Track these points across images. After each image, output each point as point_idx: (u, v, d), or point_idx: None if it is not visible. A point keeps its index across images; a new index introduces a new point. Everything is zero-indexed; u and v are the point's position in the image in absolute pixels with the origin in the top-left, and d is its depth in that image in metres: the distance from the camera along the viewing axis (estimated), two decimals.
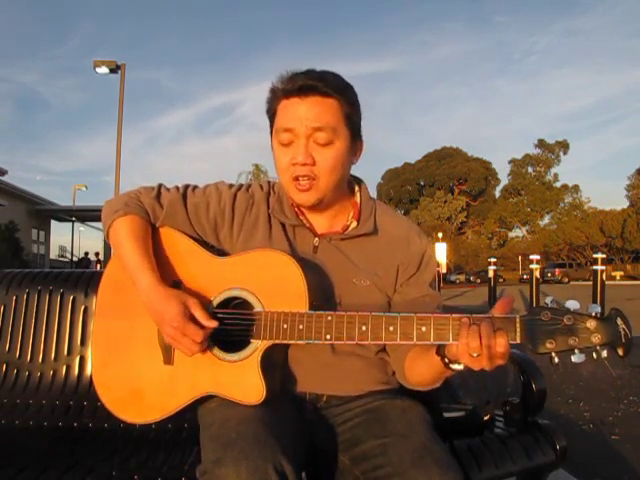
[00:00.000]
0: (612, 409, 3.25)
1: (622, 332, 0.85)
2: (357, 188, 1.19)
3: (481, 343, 0.86)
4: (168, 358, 1.09)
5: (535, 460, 1.23)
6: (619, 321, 0.85)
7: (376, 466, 0.96)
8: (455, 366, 0.94)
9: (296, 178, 1.06)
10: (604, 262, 7.32)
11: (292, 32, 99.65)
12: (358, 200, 1.17)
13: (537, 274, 9.41)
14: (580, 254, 36.85)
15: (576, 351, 0.86)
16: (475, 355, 0.87)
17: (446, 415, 1.35)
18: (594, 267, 7.36)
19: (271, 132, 1.12)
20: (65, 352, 1.57)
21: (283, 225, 1.15)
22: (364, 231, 1.13)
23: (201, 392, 1.05)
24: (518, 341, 0.88)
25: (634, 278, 30.35)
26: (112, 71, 12.07)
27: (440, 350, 0.95)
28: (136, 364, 1.12)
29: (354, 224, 1.14)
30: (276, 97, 1.08)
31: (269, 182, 1.24)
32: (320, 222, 1.15)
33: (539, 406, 1.34)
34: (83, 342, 1.57)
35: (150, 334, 1.10)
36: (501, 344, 0.86)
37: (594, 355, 0.86)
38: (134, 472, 1.15)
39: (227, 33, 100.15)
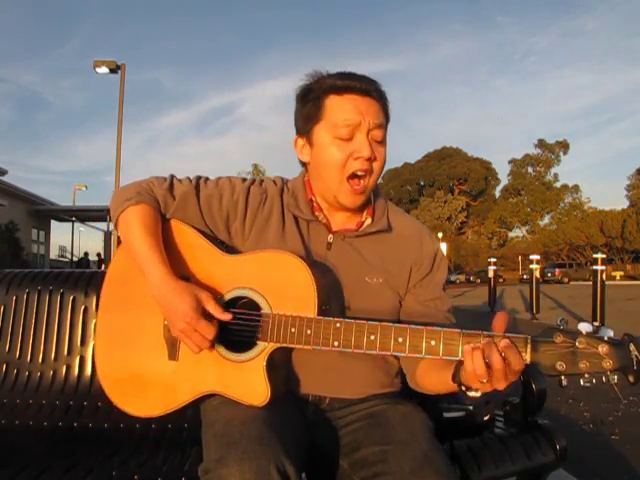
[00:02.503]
0: (612, 409, 3.25)
1: (634, 359, 0.83)
2: None
3: (488, 370, 0.85)
4: (173, 354, 1.08)
5: (535, 460, 1.23)
6: (632, 347, 0.84)
7: (375, 473, 0.95)
8: (472, 393, 0.92)
9: (353, 176, 1.06)
10: (604, 262, 7.31)
11: (292, 32, 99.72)
12: (372, 199, 1.17)
13: (537, 274, 9.39)
14: (580, 254, 36.82)
15: (586, 375, 0.85)
16: (484, 381, 0.86)
17: (446, 415, 1.35)
18: (594, 267, 7.34)
19: (309, 129, 1.10)
20: (65, 352, 1.57)
21: (297, 221, 1.14)
22: (378, 228, 1.13)
23: (204, 390, 1.05)
24: (528, 361, 0.87)
25: (634, 278, 30.33)
26: (112, 71, 12.08)
27: (456, 378, 0.93)
28: (141, 358, 1.11)
29: (369, 221, 1.14)
30: (323, 92, 1.07)
31: (282, 178, 1.22)
32: (336, 219, 1.15)
33: (539, 406, 1.34)
34: (83, 342, 1.57)
35: (156, 328, 1.10)
36: (516, 363, 0.85)
37: (604, 379, 0.85)
38: (134, 472, 1.15)
39: (227, 33, 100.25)
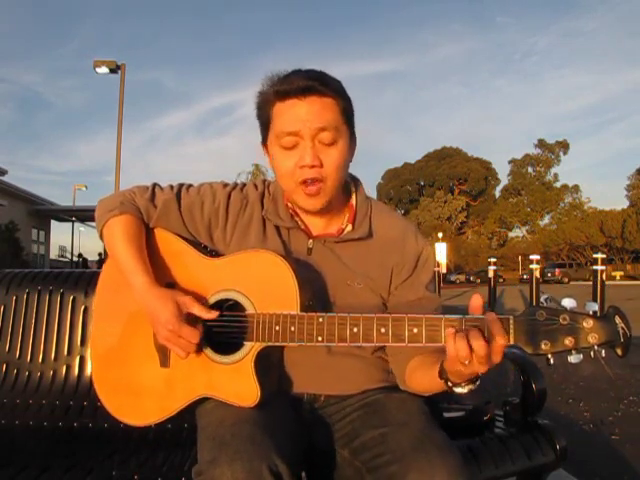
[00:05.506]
0: (612, 409, 3.25)
1: (621, 331, 0.81)
2: (354, 189, 1.17)
3: (471, 351, 0.83)
4: (164, 361, 1.08)
5: (535, 460, 1.23)
6: (617, 319, 0.82)
7: (376, 455, 0.95)
8: (458, 389, 0.92)
9: (304, 182, 1.04)
10: (604, 262, 7.31)
11: (293, 32, 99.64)
12: (354, 202, 1.16)
13: (537, 274, 9.40)
14: (580, 254, 36.82)
15: (573, 351, 0.83)
16: (467, 363, 0.85)
17: (446, 415, 1.35)
18: (594, 267, 7.35)
19: (265, 138, 1.11)
20: (65, 352, 1.57)
21: (277, 226, 1.14)
22: (358, 235, 1.12)
23: (197, 395, 1.05)
24: (511, 342, 0.85)
25: (634, 278, 30.32)
26: (112, 71, 12.07)
27: (443, 374, 0.93)
28: (134, 367, 1.12)
29: (349, 227, 1.13)
30: (269, 101, 1.05)
31: (264, 181, 1.22)
32: (315, 224, 1.14)
33: (539, 406, 1.34)
34: (83, 342, 1.57)
35: (147, 336, 1.10)
36: (500, 336, 0.83)
37: (592, 355, 0.83)
38: (134, 472, 1.15)
39: (228, 33, 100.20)
